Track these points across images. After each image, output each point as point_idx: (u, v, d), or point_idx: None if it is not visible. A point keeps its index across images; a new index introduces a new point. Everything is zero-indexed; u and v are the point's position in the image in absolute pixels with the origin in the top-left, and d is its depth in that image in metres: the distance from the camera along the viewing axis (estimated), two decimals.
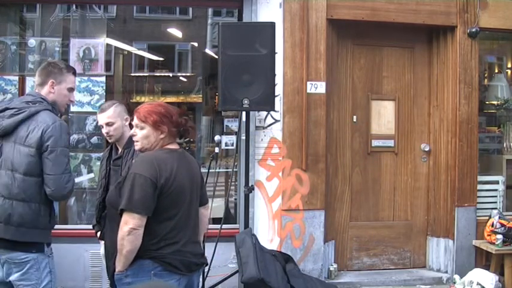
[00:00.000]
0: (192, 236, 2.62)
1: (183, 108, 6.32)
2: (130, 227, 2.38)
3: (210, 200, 2.95)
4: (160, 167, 2.46)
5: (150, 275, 2.45)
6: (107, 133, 3.42)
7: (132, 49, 6.16)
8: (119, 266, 2.47)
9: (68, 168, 2.75)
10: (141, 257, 2.45)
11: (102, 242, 3.54)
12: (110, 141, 3.49)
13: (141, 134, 2.58)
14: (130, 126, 3.45)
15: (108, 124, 3.40)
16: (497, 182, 5.32)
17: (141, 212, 2.40)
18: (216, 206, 4.35)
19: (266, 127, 4.77)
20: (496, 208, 5.10)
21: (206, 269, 3.40)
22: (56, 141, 2.69)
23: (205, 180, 2.99)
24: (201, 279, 3.44)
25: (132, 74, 6.55)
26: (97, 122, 4.67)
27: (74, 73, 2.98)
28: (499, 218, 4.82)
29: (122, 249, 2.42)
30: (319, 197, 4.80)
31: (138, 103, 6.31)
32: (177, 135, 2.66)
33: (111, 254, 2.57)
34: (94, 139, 4.87)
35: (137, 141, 2.61)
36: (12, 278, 2.70)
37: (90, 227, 3.74)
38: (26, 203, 2.67)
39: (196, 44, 6.50)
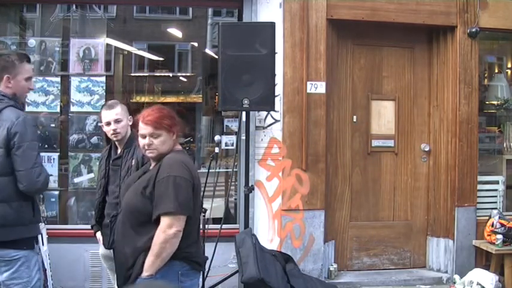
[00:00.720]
0: (199, 234, 2.75)
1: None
2: (176, 229, 2.40)
3: (210, 200, 2.99)
4: (190, 168, 2.54)
5: (177, 275, 2.46)
6: (115, 130, 3.38)
7: (132, 49, 6.16)
8: (151, 269, 2.41)
9: (38, 162, 2.71)
10: (172, 258, 2.44)
11: (101, 242, 3.55)
12: (115, 139, 3.44)
13: (159, 141, 2.56)
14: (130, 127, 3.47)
15: (116, 121, 3.38)
16: (497, 182, 5.32)
17: (187, 213, 2.45)
18: (216, 206, 4.36)
19: (266, 127, 4.77)
20: (496, 208, 5.10)
21: (206, 268, 3.40)
22: (22, 137, 2.66)
23: (205, 180, 3.02)
24: (200, 280, 3.44)
25: (132, 74, 6.54)
26: (97, 122, 4.70)
27: (28, 60, 2.92)
28: (499, 218, 4.82)
29: (161, 253, 2.40)
30: (319, 197, 4.80)
31: (138, 103, 6.32)
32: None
33: (131, 261, 2.48)
34: (94, 139, 4.86)
35: (154, 149, 2.57)
36: (1, 278, 2.68)
37: (90, 227, 3.74)
38: (6, 203, 2.66)
39: (196, 44, 6.50)
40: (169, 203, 2.39)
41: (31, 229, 2.75)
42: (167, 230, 2.38)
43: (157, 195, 2.44)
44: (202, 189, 3.74)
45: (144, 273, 2.41)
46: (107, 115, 3.42)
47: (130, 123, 3.44)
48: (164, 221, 2.40)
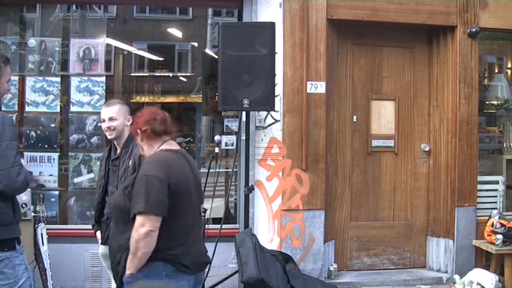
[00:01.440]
0: (198, 236, 2.70)
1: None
2: (148, 229, 2.39)
3: (210, 200, 2.97)
4: (170, 167, 2.51)
5: (162, 276, 2.46)
6: (108, 127, 3.41)
7: (132, 49, 6.15)
8: (131, 268, 2.45)
9: (17, 161, 2.67)
10: (153, 259, 2.45)
11: (101, 241, 3.55)
12: (109, 137, 3.48)
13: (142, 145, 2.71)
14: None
15: (111, 119, 3.40)
16: (497, 182, 5.32)
17: (159, 213, 2.42)
18: (216, 206, 4.36)
19: (266, 127, 4.77)
20: (496, 208, 5.10)
21: (206, 268, 3.40)
22: (0, 136, 2.64)
23: (205, 180, 3.01)
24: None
25: (132, 74, 6.54)
26: (97, 122, 4.71)
27: (9, 62, 2.93)
28: (499, 218, 4.82)
29: (136, 252, 2.42)
30: (319, 197, 4.80)
31: (138, 103, 6.32)
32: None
33: (118, 258, 2.55)
34: (94, 139, 4.86)
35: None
36: None
37: (90, 227, 3.74)
38: None
39: (196, 44, 6.50)
40: (141, 202, 2.41)
41: (11, 230, 2.72)
42: (139, 229, 2.40)
43: (133, 194, 2.48)
44: (202, 189, 3.72)
45: (126, 271, 2.46)
46: (104, 112, 3.48)
47: (129, 123, 3.44)
48: (137, 220, 2.42)
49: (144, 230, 2.39)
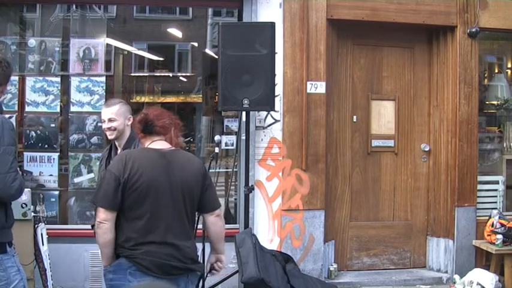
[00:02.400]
0: (175, 239, 2.52)
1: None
2: (97, 220, 2.48)
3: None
4: (128, 162, 2.50)
5: (126, 274, 2.47)
6: (108, 128, 3.40)
7: (132, 49, 6.15)
8: (102, 260, 2.55)
9: (14, 167, 2.66)
10: (120, 255, 2.51)
11: None
12: (109, 137, 3.47)
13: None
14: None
15: (110, 120, 3.40)
16: (497, 182, 5.32)
17: (103, 205, 2.47)
18: None
19: (266, 127, 4.77)
20: (496, 208, 5.10)
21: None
22: None
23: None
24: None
25: (132, 74, 6.53)
26: (97, 122, 4.71)
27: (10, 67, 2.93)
28: (499, 218, 4.82)
29: (97, 242, 2.53)
30: (319, 197, 4.80)
31: (138, 103, 6.32)
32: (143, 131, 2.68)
33: None
34: (94, 139, 4.86)
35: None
36: None
37: (90, 227, 3.74)
38: None
39: (196, 44, 6.50)
40: (93, 194, 2.58)
41: (2, 234, 2.71)
42: (96, 220, 2.52)
43: None
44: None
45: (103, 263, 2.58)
46: (103, 112, 3.47)
47: (130, 123, 3.43)
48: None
49: (95, 221, 2.50)
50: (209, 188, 2.71)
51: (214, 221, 2.72)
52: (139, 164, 2.50)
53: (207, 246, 3.70)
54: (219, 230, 2.76)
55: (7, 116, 3.48)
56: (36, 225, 4.06)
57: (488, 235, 4.85)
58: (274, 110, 4.44)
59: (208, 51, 6.04)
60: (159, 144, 2.64)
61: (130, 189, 2.47)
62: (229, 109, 4.54)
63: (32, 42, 4.90)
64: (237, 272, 3.88)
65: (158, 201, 2.50)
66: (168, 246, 2.50)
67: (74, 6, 5.00)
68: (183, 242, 2.56)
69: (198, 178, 2.64)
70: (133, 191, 2.47)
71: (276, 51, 4.19)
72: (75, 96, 4.85)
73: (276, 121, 4.77)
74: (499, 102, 5.60)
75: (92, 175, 4.83)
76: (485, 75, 5.74)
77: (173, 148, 2.66)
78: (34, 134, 4.80)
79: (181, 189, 2.56)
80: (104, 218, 2.46)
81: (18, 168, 2.79)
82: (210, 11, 5.78)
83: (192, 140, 5.93)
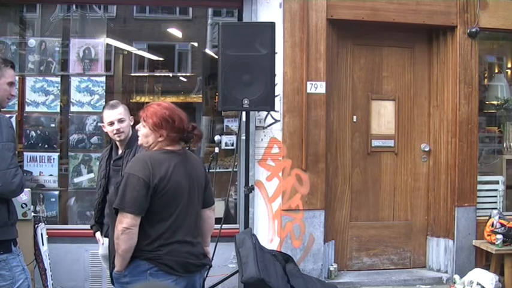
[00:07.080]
0: (191, 237, 2.61)
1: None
2: (123, 226, 2.41)
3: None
4: (154, 167, 2.48)
5: (146, 275, 2.47)
6: (118, 129, 3.36)
7: (132, 49, 6.15)
8: (117, 265, 2.50)
9: (14, 163, 2.66)
10: (137, 258, 2.47)
11: (101, 242, 3.55)
12: (118, 139, 3.42)
13: (142, 132, 2.63)
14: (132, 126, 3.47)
15: (120, 120, 3.37)
16: (497, 182, 5.32)
17: (133, 211, 2.42)
18: (216, 206, 4.34)
19: (266, 127, 4.77)
20: (496, 208, 5.10)
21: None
22: None
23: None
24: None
25: (132, 74, 6.54)
26: (97, 122, 4.70)
27: (13, 67, 2.91)
28: (499, 218, 4.82)
29: (117, 249, 2.45)
30: (319, 197, 4.80)
31: (138, 103, 6.32)
32: (179, 140, 2.63)
33: (113, 254, 2.58)
34: (94, 139, 4.86)
35: (139, 137, 2.67)
36: None
37: (89, 227, 3.74)
38: None
39: (196, 44, 6.50)
40: (118, 199, 2.45)
41: (6, 232, 2.70)
42: (118, 226, 2.44)
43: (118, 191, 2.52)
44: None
45: (115, 268, 2.51)
46: (110, 115, 3.40)
47: (132, 123, 3.43)
48: (118, 217, 2.46)
49: (120, 227, 2.42)
50: (209, 185, 2.84)
51: (211, 215, 2.87)
52: (166, 169, 2.50)
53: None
54: (213, 223, 2.92)
55: (7, 116, 3.47)
56: (36, 225, 4.06)
57: (488, 235, 4.85)
58: (274, 110, 4.44)
59: (208, 51, 6.04)
60: (176, 145, 2.65)
61: (160, 193, 2.47)
62: (229, 109, 4.54)
63: (32, 42, 4.91)
64: (237, 272, 3.88)
65: (182, 202, 2.55)
66: (186, 245, 2.57)
67: (74, 6, 5.00)
68: (195, 239, 2.66)
69: (204, 176, 2.76)
70: (163, 195, 2.48)
71: (276, 51, 4.19)
72: (75, 96, 4.85)
73: (276, 121, 4.77)
74: (499, 102, 5.60)
75: (92, 175, 4.83)
76: (485, 75, 5.74)
77: (181, 148, 2.68)
78: (34, 134, 4.80)
79: (196, 188, 2.65)
80: (132, 224, 2.42)
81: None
82: (210, 11, 5.79)
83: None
